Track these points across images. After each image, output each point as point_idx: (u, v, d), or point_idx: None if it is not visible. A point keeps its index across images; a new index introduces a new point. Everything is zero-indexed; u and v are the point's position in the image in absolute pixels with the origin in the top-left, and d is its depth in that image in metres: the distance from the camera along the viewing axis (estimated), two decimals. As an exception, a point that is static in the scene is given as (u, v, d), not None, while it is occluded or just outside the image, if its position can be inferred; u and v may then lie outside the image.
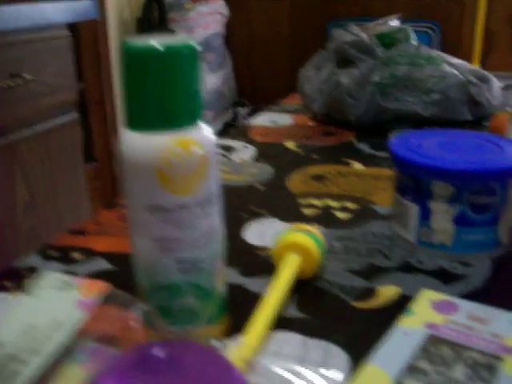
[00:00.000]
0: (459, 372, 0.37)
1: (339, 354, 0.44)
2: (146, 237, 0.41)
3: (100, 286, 0.46)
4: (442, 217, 0.56)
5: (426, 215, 0.57)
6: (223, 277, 0.45)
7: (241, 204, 0.72)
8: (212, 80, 3.16)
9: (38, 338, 0.41)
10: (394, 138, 0.62)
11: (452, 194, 0.55)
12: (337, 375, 0.41)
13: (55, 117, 1.71)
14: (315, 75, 1.09)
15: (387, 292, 0.51)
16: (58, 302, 0.44)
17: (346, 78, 1.02)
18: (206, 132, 0.40)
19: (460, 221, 0.56)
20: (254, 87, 3.55)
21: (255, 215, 0.68)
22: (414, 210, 0.58)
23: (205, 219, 0.41)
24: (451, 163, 0.55)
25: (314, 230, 0.54)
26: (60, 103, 1.72)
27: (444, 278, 0.54)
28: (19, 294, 0.48)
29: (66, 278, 0.47)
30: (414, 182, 0.57)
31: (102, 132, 2.84)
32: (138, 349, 0.34)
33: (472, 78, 1.03)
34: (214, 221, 0.42)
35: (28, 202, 1.61)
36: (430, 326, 0.42)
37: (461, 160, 0.55)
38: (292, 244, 0.52)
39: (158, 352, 0.34)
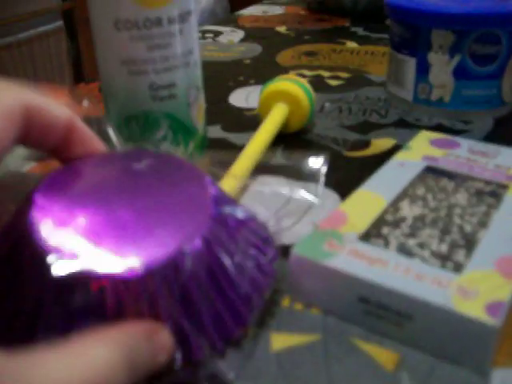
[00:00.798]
0: (461, 198, 0.34)
1: (329, 194, 0.40)
2: (115, 60, 0.37)
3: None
4: (441, 69, 0.52)
5: (423, 69, 0.53)
6: (201, 111, 0.41)
7: (228, 75, 0.67)
8: (203, -2, 3.05)
9: None
10: (391, -8, 0.57)
11: (452, 43, 0.51)
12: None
13: (39, 25, 1.65)
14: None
15: (382, 143, 0.48)
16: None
17: (340, -40, 0.96)
18: None
19: (460, 73, 0.52)
20: (247, 5, 3.45)
21: (242, 83, 0.64)
22: (410, 64, 0.53)
23: (180, 38, 0.37)
24: (452, 8, 0.50)
25: (302, 79, 0.49)
26: (43, 10, 1.65)
27: (443, 133, 0.50)
28: None
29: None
30: (412, 33, 0.52)
31: (92, 53, 2.76)
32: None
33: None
34: (189, 40, 0.38)
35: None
36: (429, 158, 0.38)
37: (462, 5, 0.51)
38: (278, 92, 0.48)
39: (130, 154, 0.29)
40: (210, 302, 0.25)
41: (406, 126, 0.51)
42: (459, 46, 0.50)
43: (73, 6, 2.53)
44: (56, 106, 0.25)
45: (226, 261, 0.25)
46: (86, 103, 0.35)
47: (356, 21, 0.95)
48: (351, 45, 0.79)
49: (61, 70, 1.74)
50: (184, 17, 0.37)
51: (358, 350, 0.27)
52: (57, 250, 0.22)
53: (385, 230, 0.31)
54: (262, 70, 0.68)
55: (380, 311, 0.28)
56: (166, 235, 0.24)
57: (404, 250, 0.29)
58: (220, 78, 0.66)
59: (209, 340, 0.25)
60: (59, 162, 0.27)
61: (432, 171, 0.37)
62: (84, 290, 0.22)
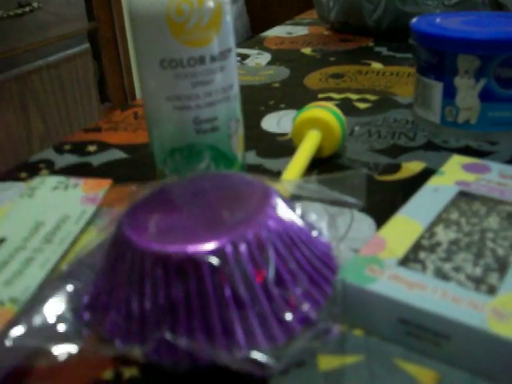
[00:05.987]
0: (493, 222, 0.36)
1: (363, 218, 0.42)
2: (160, 96, 0.39)
3: (101, 183, 0.46)
4: (468, 93, 0.54)
5: (450, 93, 0.55)
6: (241, 141, 0.43)
7: (258, 99, 0.70)
8: (224, 15, 3.09)
9: (49, 230, 0.40)
10: (417, 18, 0.60)
11: (478, 68, 0.52)
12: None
13: (66, 48, 1.69)
14: (331, -18, 1.05)
15: (412, 167, 0.50)
16: (62, 201, 0.44)
17: (362, -19, 0.99)
18: (218, -19, 0.38)
19: (486, 96, 0.53)
20: (267, 22, 3.49)
21: (273, 108, 0.66)
22: (437, 88, 0.55)
23: (221, 74, 0.39)
24: (477, 34, 0.52)
25: (333, 106, 0.51)
26: (70, 33, 1.69)
27: (470, 155, 0.52)
28: (31, 181, 0.47)
29: (64, 179, 0.47)
30: (438, 58, 0.54)
31: (116, 72, 2.80)
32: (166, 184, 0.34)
33: (494, -21, 0.99)
34: (230, 76, 0.40)
35: (43, 134, 1.60)
36: (461, 183, 0.40)
37: (487, 32, 0.53)
38: (311, 119, 0.50)
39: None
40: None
41: (435, 149, 0.53)
42: (484, 70, 0.52)
43: (97, 26, 2.58)
44: None
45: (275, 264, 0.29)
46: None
47: (379, 40, 0.97)
48: (376, 66, 0.81)
49: (88, 90, 1.78)
50: (225, 54, 0.39)
51: (399, 369, 0.29)
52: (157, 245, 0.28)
53: (422, 255, 0.33)
54: (291, 94, 0.70)
55: (419, 332, 0.29)
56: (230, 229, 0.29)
57: (440, 274, 0.31)
58: (251, 102, 0.68)
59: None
60: None
61: (465, 196, 0.39)
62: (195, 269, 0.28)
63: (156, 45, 0.38)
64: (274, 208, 0.30)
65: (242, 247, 0.28)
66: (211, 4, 0.37)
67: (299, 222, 0.32)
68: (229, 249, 0.28)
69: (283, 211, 0.31)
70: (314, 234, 0.33)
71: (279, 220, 0.30)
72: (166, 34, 0.37)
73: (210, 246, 0.28)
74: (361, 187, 0.38)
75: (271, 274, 0.29)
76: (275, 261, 0.29)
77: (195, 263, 0.28)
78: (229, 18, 0.39)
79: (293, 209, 0.33)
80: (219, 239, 0.28)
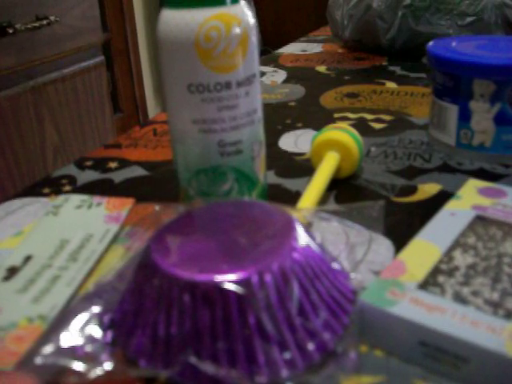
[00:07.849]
0: (509, 247, 0.37)
1: (381, 241, 0.43)
2: (187, 119, 0.40)
3: (124, 202, 0.47)
4: (483, 116, 0.55)
5: (465, 116, 0.56)
6: (263, 162, 0.44)
7: (275, 118, 0.71)
8: (236, 28, 3.11)
9: (74, 249, 0.42)
10: (433, 42, 0.61)
11: (493, 92, 0.54)
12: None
13: (81, 60, 1.71)
14: (345, 0, 1.06)
15: (428, 189, 0.51)
16: (86, 219, 0.45)
17: (377, 0, 1.00)
18: (245, 9, 0.39)
19: (501, 120, 0.54)
20: (279, 35, 3.51)
21: (290, 127, 0.68)
22: (453, 111, 0.56)
23: (246, 99, 0.40)
24: (492, 59, 0.53)
25: (351, 128, 0.53)
26: (86, 46, 1.71)
27: (485, 177, 0.53)
28: (56, 199, 0.49)
29: (88, 197, 0.49)
30: (454, 82, 0.56)
31: (128, 83, 2.83)
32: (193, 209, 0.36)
33: (508, 0, 1.00)
34: (254, 100, 0.41)
35: (57, 145, 1.62)
36: (478, 207, 0.41)
37: (502, 57, 0.54)
38: (330, 141, 0.51)
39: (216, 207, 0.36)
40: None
41: (450, 171, 0.54)
42: (500, 95, 0.53)
43: (109, 38, 2.61)
44: None
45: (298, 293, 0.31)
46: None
47: (393, 59, 0.98)
48: (391, 85, 0.82)
49: (101, 102, 1.80)
50: (250, 79, 0.40)
51: (419, 390, 0.30)
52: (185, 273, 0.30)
53: (441, 279, 0.34)
54: (307, 113, 0.72)
55: (439, 354, 0.30)
56: (255, 258, 0.31)
57: (459, 298, 0.32)
58: (268, 121, 0.70)
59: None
60: None
61: (481, 220, 0.40)
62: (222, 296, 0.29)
63: (184, 70, 0.39)
64: (297, 239, 0.32)
65: (268, 277, 0.30)
66: (238, 31, 0.38)
67: (320, 253, 0.34)
68: (255, 279, 0.29)
69: (305, 242, 0.33)
70: (334, 265, 0.35)
71: (302, 252, 0.32)
72: (194, 60, 0.38)
73: (236, 275, 0.29)
74: (379, 219, 0.39)
75: (294, 304, 0.30)
76: (298, 291, 0.31)
77: (222, 292, 0.29)
78: (254, 40, 0.40)
79: (313, 238, 0.34)
80: (246, 269, 0.30)
